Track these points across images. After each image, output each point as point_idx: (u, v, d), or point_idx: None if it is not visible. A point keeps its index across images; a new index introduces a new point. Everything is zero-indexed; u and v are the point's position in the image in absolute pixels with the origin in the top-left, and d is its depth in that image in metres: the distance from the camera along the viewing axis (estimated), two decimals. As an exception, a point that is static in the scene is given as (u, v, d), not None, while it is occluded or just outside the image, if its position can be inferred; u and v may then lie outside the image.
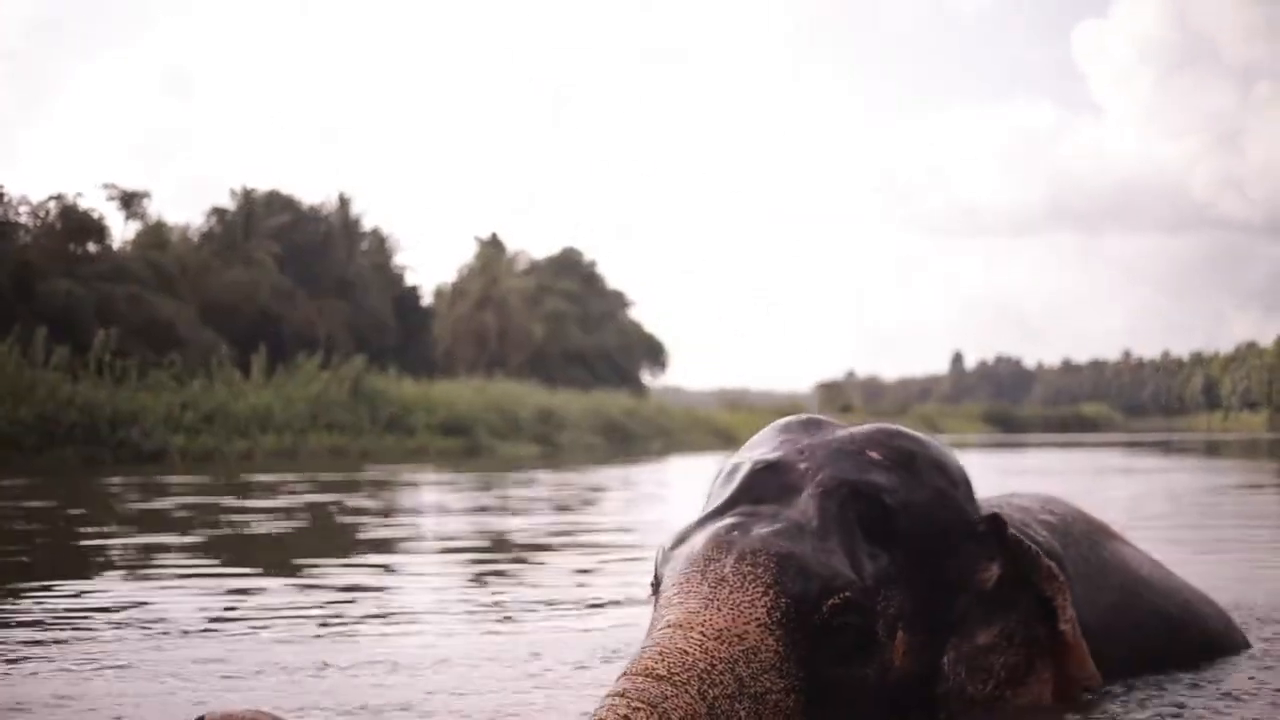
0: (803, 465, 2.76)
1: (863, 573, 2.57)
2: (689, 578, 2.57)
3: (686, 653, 2.42)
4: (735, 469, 2.85)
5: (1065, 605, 2.81)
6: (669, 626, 2.49)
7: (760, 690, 2.43)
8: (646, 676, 2.39)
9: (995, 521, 2.80)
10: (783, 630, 2.47)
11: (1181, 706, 2.98)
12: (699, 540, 2.65)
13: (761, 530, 2.61)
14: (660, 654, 2.43)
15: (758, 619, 2.47)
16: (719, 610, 2.49)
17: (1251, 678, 3.28)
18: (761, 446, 2.90)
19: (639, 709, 2.32)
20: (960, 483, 2.84)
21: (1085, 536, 3.29)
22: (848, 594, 2.52)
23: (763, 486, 2.75)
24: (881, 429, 2.88)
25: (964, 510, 2.80)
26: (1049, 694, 2.83)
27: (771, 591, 2.49)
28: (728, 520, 2.67)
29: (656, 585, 2.72)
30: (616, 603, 4.74)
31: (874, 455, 2.77)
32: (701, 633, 2.46)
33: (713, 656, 2.42)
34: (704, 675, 2.39)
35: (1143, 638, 3.24)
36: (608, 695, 2.39)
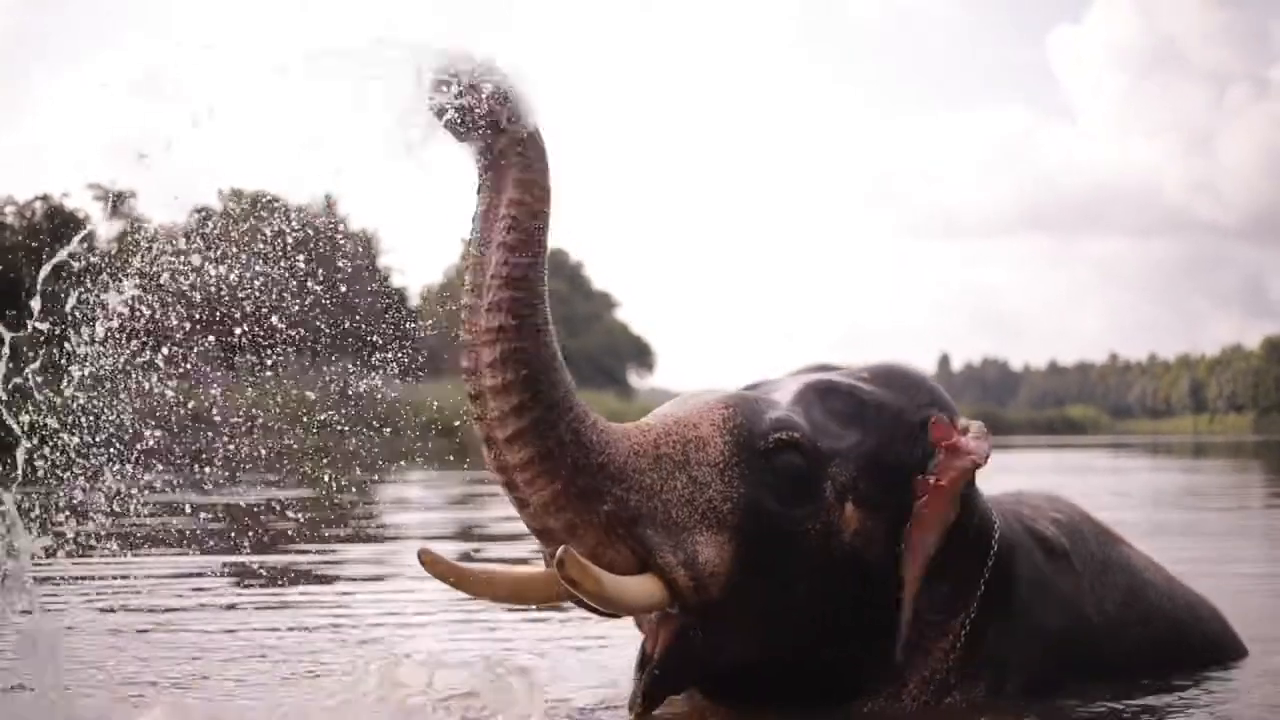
0: (799, 378, 3.05)
1: (819, 435, 2.81)
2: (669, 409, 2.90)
3: (649, 424, 2.77)
4: None
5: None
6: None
7: (701, 478, 2.69)
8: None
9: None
10: (731, 438, 2.73)
11: (1185, 708, 2.97)
12: None
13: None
14: (625, 433, 2.71)
15: (712, 421, 2.76)
16: (683, 410, 2.82)
17: (1234, 682, 3.32)
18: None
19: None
20: (941, 405, 2.97)
21: (1093, 537, 3.33)
22: (794, 434, 2.76)
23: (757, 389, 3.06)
24: (883, 362, 3.12)
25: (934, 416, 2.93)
26: None
27: (730, 409, 2.79)
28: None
29: None
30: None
31: (863, 373, 3.05)
32: (664, 416, 2.81)
33: (668, 425, 2.76)
34: (660, 435, 2.72)
35: (1147, 636, 3.25)
36: None
